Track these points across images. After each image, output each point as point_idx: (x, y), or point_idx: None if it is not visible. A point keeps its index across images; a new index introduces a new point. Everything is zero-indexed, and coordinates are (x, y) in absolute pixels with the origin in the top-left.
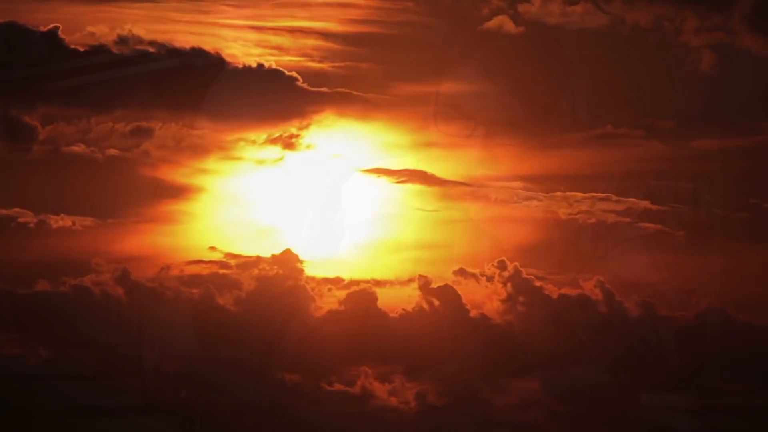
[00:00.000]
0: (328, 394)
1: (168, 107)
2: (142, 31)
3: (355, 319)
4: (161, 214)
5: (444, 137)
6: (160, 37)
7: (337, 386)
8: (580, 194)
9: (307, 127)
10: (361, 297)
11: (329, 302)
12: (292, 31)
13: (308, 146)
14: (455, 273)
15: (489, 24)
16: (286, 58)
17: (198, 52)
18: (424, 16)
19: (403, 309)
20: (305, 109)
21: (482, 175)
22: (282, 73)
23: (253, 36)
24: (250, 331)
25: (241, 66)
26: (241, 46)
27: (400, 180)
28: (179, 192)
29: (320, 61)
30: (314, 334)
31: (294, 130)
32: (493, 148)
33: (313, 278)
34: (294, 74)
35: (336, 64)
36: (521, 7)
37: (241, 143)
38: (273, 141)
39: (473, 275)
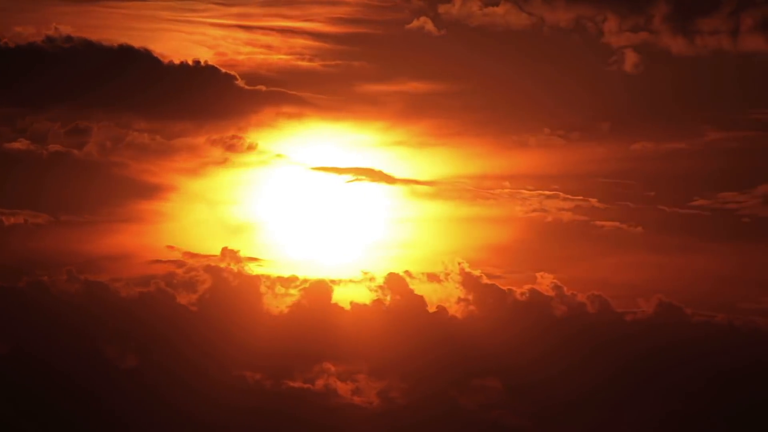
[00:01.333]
0: (291, 392)
1: (103, 106)
2: (125, 30)
3: (309, 315)
4: (117, 211)
5: (399, 137)
6: (147, 36)
7: (299, 384)
8: (527, 191)
9: (246, 128)
10: (315, 292)
11: (284, 300)
12: (282, 30)
13: (250, 146)
14: (408, 273)
15: (410, 26)
16: (276, 57)
17: (126, 50)
18: (409, 14)
19: (352, 301)
20: (245, 109)
21: (430, 173)
22: (218, 70)
23: (243, 35)
24: (201, 328)
25: (178, 63)
26: (231, 44)
27: (350, 180)
28: (133, 190)
29: (311, 60)
30: (266, 331)
31: (235, 131)
32: (442, 148)
33: (268, 277)
34: (232, 72)
35: (327, 63)
36: (442, 8)
37: (184, 143)
38: (213, 142)
39: (428, 274)
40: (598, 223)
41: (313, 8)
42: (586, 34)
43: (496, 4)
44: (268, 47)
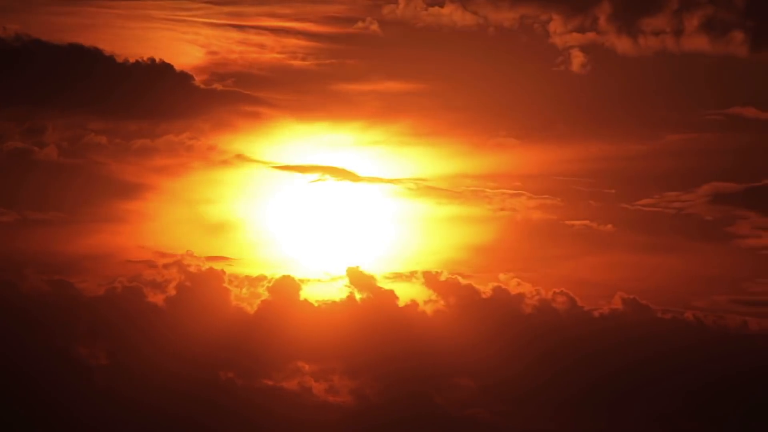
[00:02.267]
0: (264, 391)
1: (56, 105)
2: (116, 30)
3: (278, 312)
4: (87, 210)
5: (371, 136)
6: (139, 35)
7: (269, 382)
8: (489, 190)
9: (203, 128)
10: (282, 288)
11: (253, 299)
12: (275, 29)
13: (210, 147)
14: (372, 275)
15: (355, 27)
16: (269, 56)
17: (76, 48)
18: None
19: (321, 299)
20: (202, 108)
21: (395, 173)
22: (173, 69)
23: (236, 35)
24: (170, 327)
25: (133, 61)
26: (224, 44)
27: (314, 180)
28: (102, 188)
29: (303, 59)
30: (236, 329)
31: (193, 131)
32: (406, 148)
33: (236, 276)
34: (187, 71)
35: (321, 62)
36: (386, 8)
37: (142, 143)
38: (171, 142)
39: (394, 274)
40: (568, 222)
41: (305, 6)
42: (533, 34)
43: (441, 5)
44: (261, 46)
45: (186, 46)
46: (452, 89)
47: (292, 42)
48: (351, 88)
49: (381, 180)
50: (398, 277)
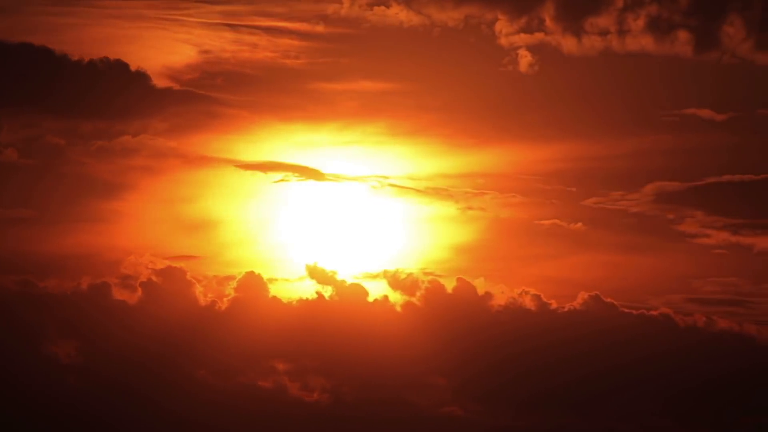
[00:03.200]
0: (239, 389)
1: (9, 105)
2: (109, 29)
3: (248, 309)
4: (62, 209)
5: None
6: (131, 34)
7: (242, 380)
8: (454, 189)
9: (158, 127)
10: (248, 284)
11: (223, 298)
12: (268, 29)
13: (170, 147)
14: (334, 272)
15: (301, 24)
16: (262, 55)
17: (26, 47)
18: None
19: (287, 298)
20: (156, 108)
21: (361, 171)
22: (128, 68)
23: (229, 34)
24: (141, 326)
25: (87, 60)
26: (217, 43)
27: (277, 180)
28: (72, 187)
29: (296, 58)
30: (208, 327)
31: (150, 132)
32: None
33: (205, 276)
34: (143, 70)
35: (315, 61)
36: (331, 8)
37: (100, 144)
38: (128, 143)
39: (362, 274)
40: (536, 222)
41: (299, 5)
42: (480, 34)
43: (387, 5)
44: (254, 45)
45: (179, 46)
46: (410, 90)
47: (285, 42)
48: (327, 87)
49: (348, 178)
50: (366, 276)
